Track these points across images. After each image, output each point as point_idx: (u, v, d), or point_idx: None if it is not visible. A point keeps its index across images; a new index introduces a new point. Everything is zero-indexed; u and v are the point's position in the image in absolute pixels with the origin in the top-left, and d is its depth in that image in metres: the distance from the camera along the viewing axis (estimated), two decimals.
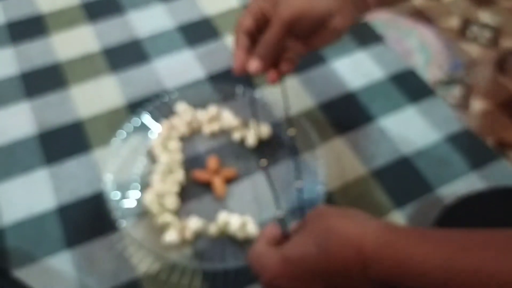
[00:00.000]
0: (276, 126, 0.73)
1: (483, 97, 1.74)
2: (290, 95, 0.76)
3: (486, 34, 1.96)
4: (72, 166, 0.69)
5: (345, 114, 0.76)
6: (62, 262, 0.61)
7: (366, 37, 0.87)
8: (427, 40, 1.93)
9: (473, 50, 1.92)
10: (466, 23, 2.01)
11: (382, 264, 0.42)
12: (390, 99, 0.78)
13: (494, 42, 1.94)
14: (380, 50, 0.85)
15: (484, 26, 2.00)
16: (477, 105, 1.69)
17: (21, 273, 0.60)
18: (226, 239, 0.63)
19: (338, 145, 0.73)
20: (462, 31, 1.98)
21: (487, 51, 1.92)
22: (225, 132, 0.73)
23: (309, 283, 0.46)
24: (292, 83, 0.80)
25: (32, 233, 0.63)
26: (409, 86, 0.80)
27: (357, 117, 0.76)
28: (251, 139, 0.70)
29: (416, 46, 1.89)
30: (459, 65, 1.87)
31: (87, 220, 0.64)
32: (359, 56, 0.84)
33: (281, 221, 0.52)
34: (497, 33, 1.98)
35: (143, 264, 0.61)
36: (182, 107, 0.73)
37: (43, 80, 0.79)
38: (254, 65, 0.58)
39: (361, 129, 0.75)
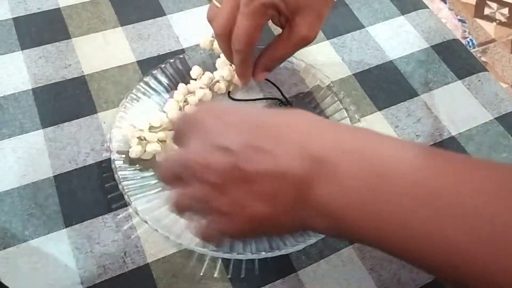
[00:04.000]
0: (306, 96, 0.64)
1: (498, 77, 1.67)
2: (323, 62, 0.68)
3: (505, 12, 1.88)
4: (72, 130, 0.60)
5: (385, 86, 0.67)
6: (58, 243, 0.52)
7: (407, 1, 0.78)
8: (442, 16, 1.84)
9: (490, 28, 1.84)
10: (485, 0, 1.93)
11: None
12: (435, 72, 0.69)
13: None
14: (423, 16, 0.76)
15: (503, 3, 1.91)
16: None
17: (9, 255, 0.51)
18: None
19: (377, 121, 0.64)
20: (480, 8, 1.89)
21: (504, 30, 1.84)
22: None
23: (240, 135, 0.37)
24: (326, 49, 0.70)
25: (23, 207, 0.54)
26: (456, 59, 0.71)
27: (398, 90, 0.67)
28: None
29: None
30: (474, 43, 1.79)
31: (89, 194, 0.55)
32: (399, 22, 0.75)
33: None
34: None
35: (154, 249, 0.52)
36: (197, 70, 0.63)
37: (39, 28, 0.69)
38: (263, 77, 0.58)
39: (403, 104, 0.66)
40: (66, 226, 0.53)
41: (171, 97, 0.61)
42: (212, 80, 0.62)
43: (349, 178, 0.33)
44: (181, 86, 0.62)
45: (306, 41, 0.54)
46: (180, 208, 0.40)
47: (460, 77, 0.69)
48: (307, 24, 0.52)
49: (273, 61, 0.57)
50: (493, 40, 1.70)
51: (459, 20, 1.76)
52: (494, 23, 1.74)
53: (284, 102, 0.63)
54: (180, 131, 0.41)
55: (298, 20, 0.52)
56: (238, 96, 0.64)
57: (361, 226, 0.34)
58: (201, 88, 0.62)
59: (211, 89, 0.63)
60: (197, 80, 0.62)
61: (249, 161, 0.35)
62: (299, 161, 0.34)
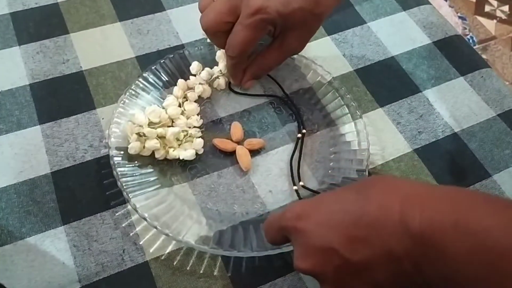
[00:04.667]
0: (306, 93, 0.64)
1: (499, 74, 1.66)
2: (324, 58, 0.67)
3: (505, 9, 1.87)
4: (70, 126, 0.59)
5: (386, 82, 0.67)
6: (55, 240, 0.51)
7: None
8: (442, 13, 1.83)
9: (490, 25, 1.83)
10: None
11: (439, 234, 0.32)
12: (437, 68, 0.68)
13: None
14: (425, 12, 0.75)
15: (504, 0, 1.90)
16: None
17: (5, 252, 0.50)
18: (251, 223, 0.53)
19: (379, 118, 0.63)
20: (480, 5, 1.88)
21: (505, 27, 1.83)
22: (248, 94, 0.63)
23: (334, 231, 0.36)
24: (327, 44, 0.70)
25: (20, 204, 0.53)
26: (458, 54, 0.70)
27: (400, 86, 0.66)
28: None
29: None
30: (475, 40, 1.78)
31: (87, 191, 0.54)
32: (401, 17, 0.74)
33: None
34: None
35: (153, 246, 0.51)
36: (196, 66, 0.62)
37: (37, 23, 0.68)
38: (250, 84, 0.61)
39: (404, 100, 0.65)
40: (64, 224, 0.52)
41: (171, 92, 0.61)
42: (211, 76, 0.61)
43: (459, 254, 0.32)
44: (181, 81, 0.61)
45: (295, 53, 0.58)
46: None
47: (463, 73, 0.68)
48: (298, 38, 0.55)
49: (263, 70, 0.59)
50: (493, 38, 1.69)
51: (460, 17, 1.75)
52: (495, 21, 1.73)
53: (285, 99, 0.62)
54: (279, 238, 0.42)
55: (290, 34, 0.54)
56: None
57: None
58: (200, 83, 0.61)
59: (210, 85, 0.62)
60: (196, 75, 0.62)
61: (355, 252, 0.35)
62: (400, 240, 0.33)
